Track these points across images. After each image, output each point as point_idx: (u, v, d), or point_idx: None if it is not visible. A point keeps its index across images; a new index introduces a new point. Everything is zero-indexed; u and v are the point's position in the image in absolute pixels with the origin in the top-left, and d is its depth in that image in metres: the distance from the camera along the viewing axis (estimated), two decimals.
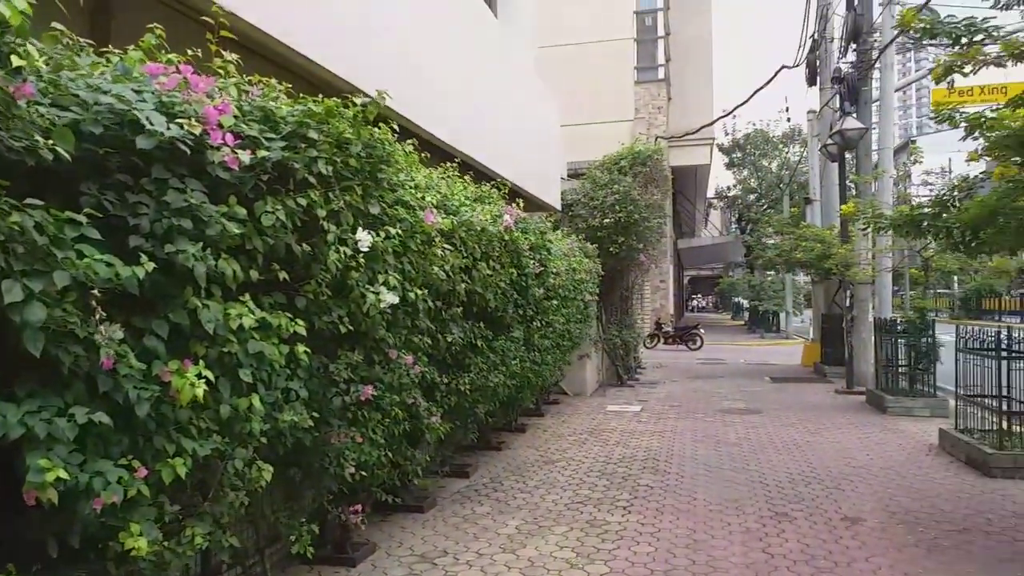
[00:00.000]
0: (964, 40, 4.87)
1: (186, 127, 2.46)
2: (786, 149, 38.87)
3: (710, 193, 41.20)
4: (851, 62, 12.94)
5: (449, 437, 6.33)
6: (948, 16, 5.21)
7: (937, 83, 5.18)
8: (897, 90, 16.25)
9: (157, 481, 2.44)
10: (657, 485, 6.72)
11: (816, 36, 14.74)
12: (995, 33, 4.86)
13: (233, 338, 2.61)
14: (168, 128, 2.42)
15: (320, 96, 3.30)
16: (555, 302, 8.79)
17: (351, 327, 3.48)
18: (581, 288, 10.40)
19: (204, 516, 2.80)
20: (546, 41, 20.86)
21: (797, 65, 16.21)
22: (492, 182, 7.11)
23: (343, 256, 3.20)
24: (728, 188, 43.63)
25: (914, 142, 29.95)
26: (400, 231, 3.77)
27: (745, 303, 38.15)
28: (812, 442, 8.54)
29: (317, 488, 4.03)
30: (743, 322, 39.48)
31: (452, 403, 5.77)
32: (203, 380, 2.42)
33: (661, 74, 26.03)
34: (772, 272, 25.56)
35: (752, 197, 40.52)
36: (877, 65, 12.46)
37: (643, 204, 13.37)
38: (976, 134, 5.05)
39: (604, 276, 12.55)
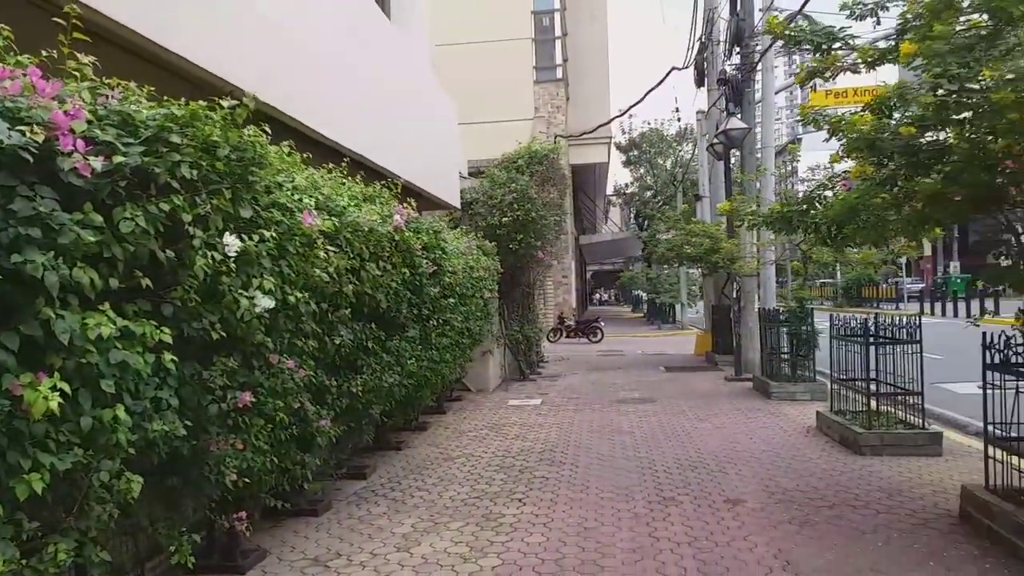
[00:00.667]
0: (824, 47, 5.19)
1: (28, 134, 2.36)
2: (679, 147, 40.20)
3: (609, 190, 42.14)
4: (735, 65, 13.52)
5: (344, 439, 6.29)
6: (815, 26, 5.55)
7: (802, 87, 5.51)
8: (778, 92, 17.06)
9: (12, 498, 2.35)
10: (553, 476, 6.87)
11: (703, 39, 15.31)
12: (851, 42, 5.19)
13: (92, 348, 2.53)
14: (9, 136, 2.33)
15: (202, 98, 3.22)
16: (453, 300, 8.83)
17: (224, 333, 3.42)
18: (480, 286, 10.49)
19: (68, 532, 2.70)
20: (445, 39, 20.87)
21: (687, 67, 16.82)
22: (384, 181, 7.07)
23: (212, 261, 3.13)
24: (626, 185, 44.77)
25: (795, 142, 31.42)
26: (276, 234, 3.72)
27: (644, 296, 39.25)
28: (701, 428, 8.91)
29: (197, 497, 3.94)
30: (642, 314, 40.62)
31: (344, 405, 5.73)
32: (58, 392, 2.34)
33: (559, 74, 26.45)
34: (668, 266, 26.40)
35: (649, 194, 41.71)
36: (759, 68, 13.06)
37: (540, 202, 13.59)
38: (839, 135, 5.40)
39: (505, 273, 12.69)
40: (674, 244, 15.93)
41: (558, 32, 26.50)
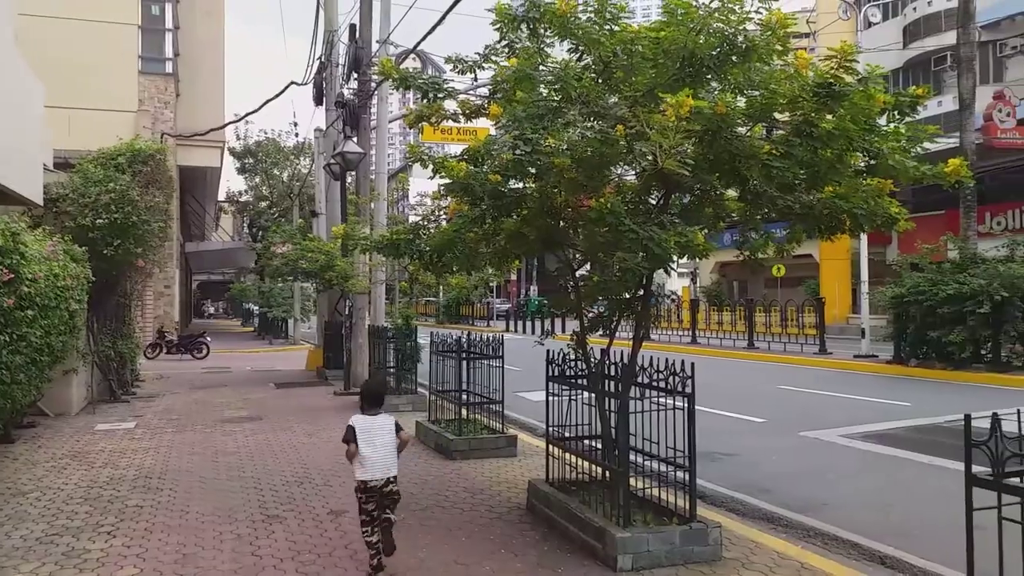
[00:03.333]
0: (430, 95, 5.77)
1: None
2: (298, 161, 40.00)
3: (221, 196, 40.20)
4: (353, 90, 14.04)
5: None
6: (424, 74, 6.13)
7: (411, 128, 6.04)
8: (392, 120, 18.06)
9: None
10: (148, 504, 6.46)
11: (323, 59, 15.60)
12: (453, 93, 5.86)
13: None
14: None
15: None
16: (31, 312, 7.78)
17: None
18: (66, 296, 9.36)
19: None
20: (33, 7, 18.18)
21: (306, 83, 16.96)
22: None
23: None
24: (240, 193, 43.13)
25: (405, 170, 33.40)
26: None
27: (256, 310, 38.14)
28: (308, 444, 9.07)
29: None
30: (253, 328, 39.39)
31: None
32: None
33: (169, 68, 24.69)
34: (282, 280, 26.10)
35: (264, 204, 40.73)
36: (375, 96, 13.74)
37: (144, 206, 12.55)
38: (441, 175, 6.03)
39: (96, 282, 11.43)
40: (290, 258, 15.88)
41: (170, 24, 24.72)
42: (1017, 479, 2.88)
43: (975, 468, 3.01)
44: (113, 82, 22.44)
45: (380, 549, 4.67)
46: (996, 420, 2.90)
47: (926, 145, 5.24)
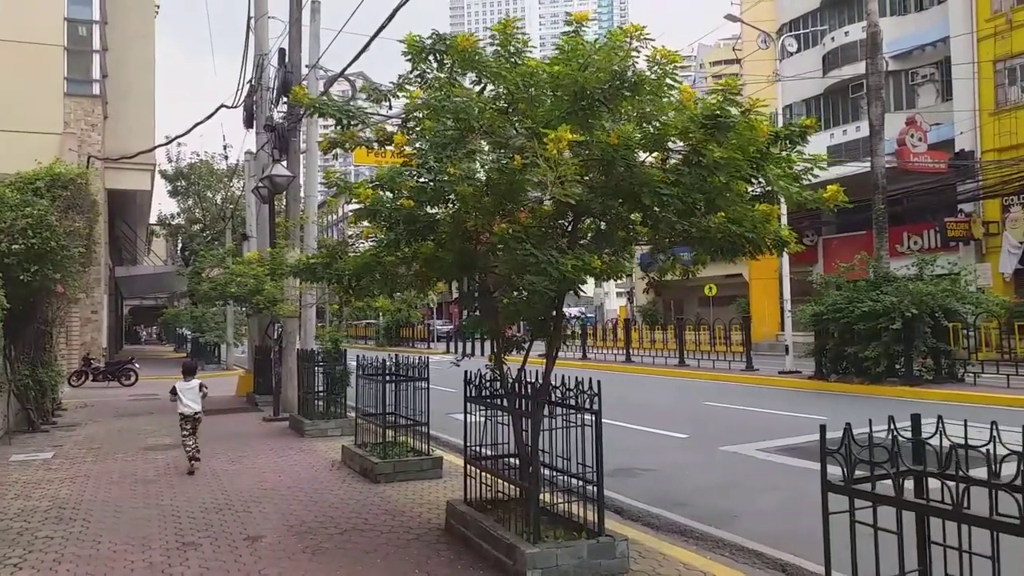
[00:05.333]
0: (345, 123, 5.88)
1: None
2: (230, 183, 39.44)
3: (153, 219, 39.34)
4: (283, 113, 14.02)
5: None
6: (338, 103, 6.24)
7: (325, 153, 6.14)
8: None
9: None
10: (59, 535, 6.33)
11: (254, 82, 15.53)
12: (367, 121, 5.99)
13: None
14: None
15: None
16: None
17: None
18: None
19: None
20: None
21: (236, 106, 16.82)
22: None
23: None
24: (172, 216, 42.26)
25: (336, 196, 33.26)
26: None
27: (189, 334, 37.30)
28: (231, 470, 8.97)
29: None
30: (186, 354, 38.49)
31: None
32: None
33: (96, 89, 24.17)
34: (214, 304, 25.64)
35: (196, 227, 39.98)
36: (305, 121, 13.75)
37: (63, 231, 12.28)
38: (354, 200, 6.14)
39: (12, 308, 11.11)
40: (219, 283, 15.69)
41: (97, 45, 24.23)
42: (870, 485, 3.12)
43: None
44: (37, 104, 21.92)
45: (195, 452, 8.96)
46: (848, 429, 3.14)
47: (843, 170, 5.58)
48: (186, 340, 39.89)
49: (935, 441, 3.09)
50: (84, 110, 23.61)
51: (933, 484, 3.10)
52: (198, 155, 41.07)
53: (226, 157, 40.10)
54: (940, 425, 3.09)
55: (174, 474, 8.82)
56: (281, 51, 14.02)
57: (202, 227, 39.73)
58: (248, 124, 16.11)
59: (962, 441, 2.88)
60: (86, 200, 13.64)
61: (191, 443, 8.90)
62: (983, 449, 2.84)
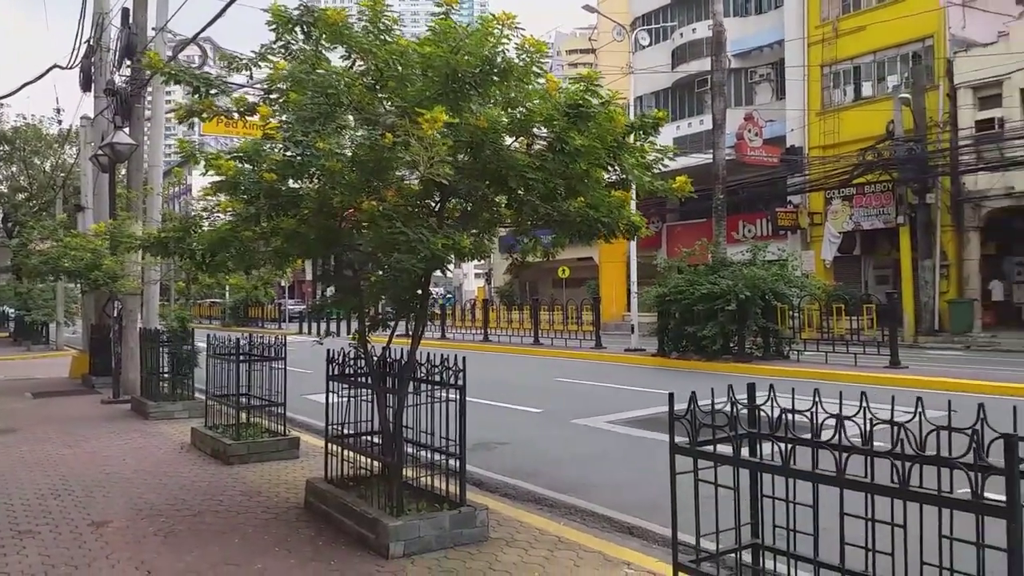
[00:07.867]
0: (203, 91, 5.65)
1: None
2: (62, 150, 36.33)
3: None
4: (126, 77, 13.14)
5: None
6: (194, 70, 5.99)
7: (181, 123, 5.89)
8: (170, 112, 17.02)
9: None
10: None
11: (92, 42, 14.42)
12: (227, 90, 5.79)
13: None
14: None
15: None
16: None
17: None
18: None
19: None
20: None
21: (72, 67, 15.56)
22: None
23: None
24: None
25: (182, 165, 31.54)
26: None
27: (12, 312, 34.20)
28: (69, 455, 8.44)
29: None
30: (8, 334, 35.37)
31: None
32: None
33: None
34: (42, 280, 23.66)
35: (22, 196, 36.61)
36: (151, 86, 12.94)
37: None
38: (212, 171, 5.93)
39: None
40: (50, 256, 14.53)
41: None
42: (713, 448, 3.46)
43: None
44: None
45: None
46: (693, 397, 3.47)
47: (688, 160, 5.97)
48: (8, 319, 36.59)
49: (767, 408, 3.48)
50: None
51: (766, 447, 3.48)
52: (24, 118, 37.53)
53: (59, 122, 36.91)
54: (771, 394, 3.48)
55: (4, 461, 8.18)
56: (124, 11, 13.10)
57: (28, 196, 36.36)
58: (85, 87, 14.97)
59: (790, 408, 3.27)
60: None
61: None
62: (807, 414, 3.24)
